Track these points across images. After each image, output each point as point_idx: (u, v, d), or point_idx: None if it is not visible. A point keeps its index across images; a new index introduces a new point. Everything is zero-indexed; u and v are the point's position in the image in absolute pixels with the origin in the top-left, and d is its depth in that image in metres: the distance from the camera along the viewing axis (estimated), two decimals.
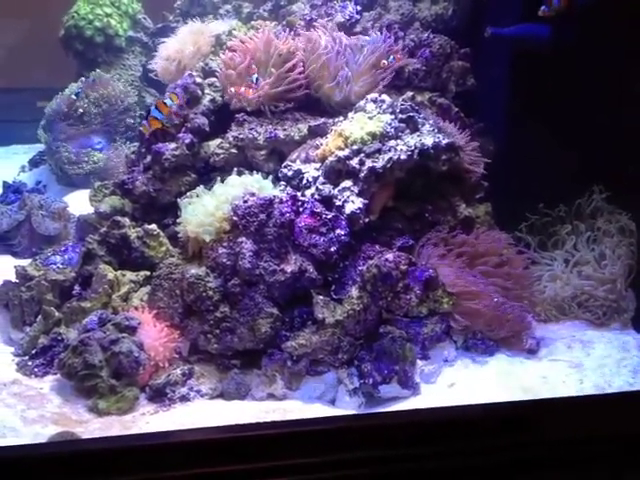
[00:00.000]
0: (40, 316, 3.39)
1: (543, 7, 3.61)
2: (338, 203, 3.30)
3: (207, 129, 3.83)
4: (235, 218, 3.22)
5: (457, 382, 3.11)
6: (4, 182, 4.74)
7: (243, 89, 3.75)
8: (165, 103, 3.73)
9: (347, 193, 3.31)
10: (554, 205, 4.01)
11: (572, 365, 3.17)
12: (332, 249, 3.21)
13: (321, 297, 3.18)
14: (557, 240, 3.89)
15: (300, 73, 3.81)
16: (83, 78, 5.30)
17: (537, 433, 2.42)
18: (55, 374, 3.13)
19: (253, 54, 3.83)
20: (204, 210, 3.31)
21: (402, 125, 3.49)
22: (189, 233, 3.33)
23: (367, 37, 4.03)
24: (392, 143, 3.38)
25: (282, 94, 3.80)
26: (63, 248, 3.79)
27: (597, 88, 3.83)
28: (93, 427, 2.81)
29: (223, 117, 3.88)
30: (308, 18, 4.39)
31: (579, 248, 3.78)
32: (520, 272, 3.48)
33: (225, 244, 3.22)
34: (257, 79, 3.75)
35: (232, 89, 3.81)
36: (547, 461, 2.39)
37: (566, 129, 3.85)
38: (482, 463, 2.36)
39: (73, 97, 5.14)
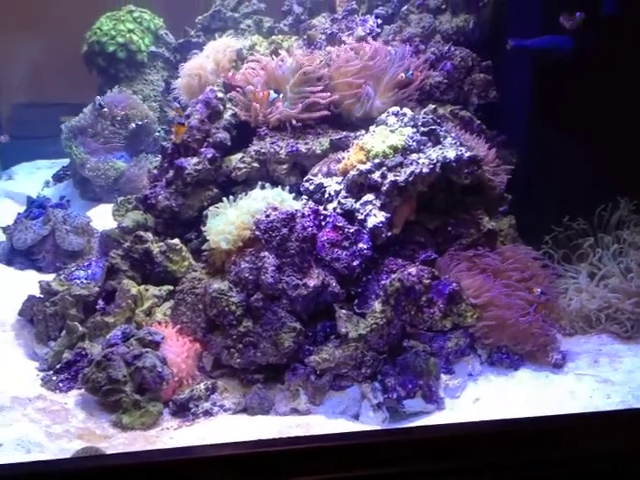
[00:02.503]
0: (64, 331, 3.41)
1: (563, 18, 3.60)
2: (360, 217, 3.30)
3: (229, 143, 3.84)
4: (257, 232, 3.22)
5: (482, 397, 3.09)
6: (28, 197, 4.77)
7: (261, 108, 3.77)
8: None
9: (369, 207, 3.31)
10: (578, 217, 3.98)
11: (599, 380, 3.13)
12: (355, 263, 3.20)
13: (344, 311, 3.17)
14: (582, 253, 3.86)
15: (323, 98, 3.81)
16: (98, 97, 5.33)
17: (563, 449, 2.39)
18: (79, 389, 3.14)
19: (272, 72, 3.83)
20: (225, 219, 3.32)
21: (424, 138, 3.48)
22: (211, 243, 3.34)
23: (391, 48, 4.03)
24: (414, 156, 3.38)
25: (303, 117, 3.80)
26: (87, 263, 3.81)
27: (621, 99, 3.81)
28: (117, 442, 2.82)
29: (245, 131, 3.89)
30: (329, 32, 4.40)
31: (604, 261, 3.75)
32: (545, 286, 3.45)
33: (247, 258, 3.22)
34: (275, 96, 3.76)
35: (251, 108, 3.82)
36: (573, 478, 2.37)
37: (589, 140, 3.83)
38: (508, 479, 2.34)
39: (97, 107, 5.18)
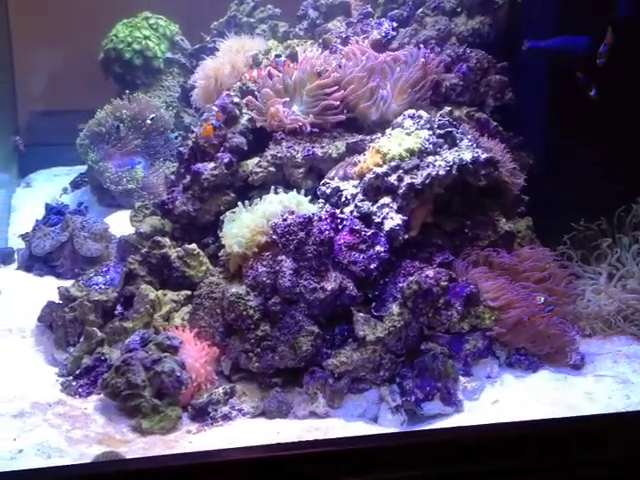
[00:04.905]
0: (83, 336, 3.42)
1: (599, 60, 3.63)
2: (377, 220, 3.29)
3: (245, 148, 3.84)
4: (274, 236, 3.22)
5: (500, 399, 3.08)
6: (46, 204, 4.79)
7: (278, 111, 3.78)
8: (217, 110, 3.84)
9: (386, 210, 3.30)
10: (595, 218, 3.97)
11: (618, 381, 3.12)
12: (372, 266, 3.20)
13: (361, 314, 3.17)
14: (600, 254, 3.84)
15: (338, 104, 3.82)
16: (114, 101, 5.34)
17: (582, 451, 2.38)
18: (99, 394, 3.15)
19: (288, 75, 3.85)
20: (240, 224, 3.33)
21: (440, 140, 3.48)
22: (226, 248, 3.35)
23: (407, 50, 4.03)
24: (430, 159, 3.37)
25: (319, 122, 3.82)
26: (105, 269, 3.82)
27: (637, 99, 3.79)
28: (137, 447, 2.82)
29: (261, 136, 3.90)
30: (344, 36, 4.41)
31: (623, 261, 3.73)
32: (563, 287, 3.43)
33: (265, 262, 3.22)
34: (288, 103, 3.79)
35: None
36: (593, 479, 2.36)
37: (605, 141, 3.81)
38: None
39: (117, 128, 5.20)
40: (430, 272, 3.15)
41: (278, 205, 3.35)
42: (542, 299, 3.25)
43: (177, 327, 3.34)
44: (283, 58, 4.12)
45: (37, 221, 4.52)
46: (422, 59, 3.88)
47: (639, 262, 3.69)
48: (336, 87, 3.84)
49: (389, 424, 3.01)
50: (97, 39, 5.74)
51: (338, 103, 3.81)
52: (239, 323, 3.20)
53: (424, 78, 3.87)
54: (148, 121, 5.16)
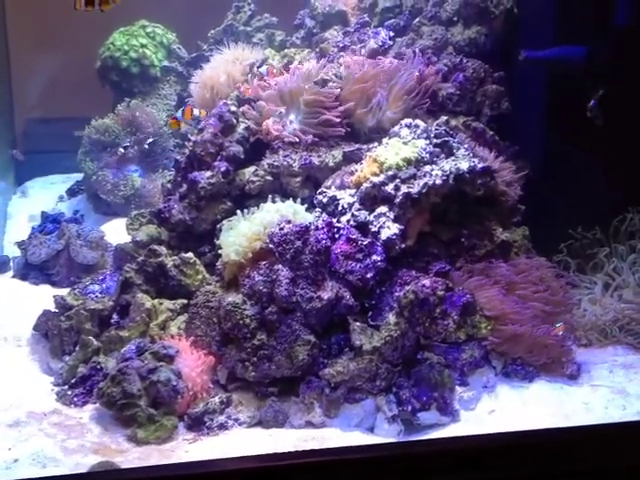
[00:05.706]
0: (79, 345, 3.41)
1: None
2: (374, 229, 3.29)
3: (242, 157, 3.84)
4: (271, 245, 3.22)
5: (497, 409, 3.08)
6: (42, 212, 4.79)
7: (273, 126, 3.78)
8: (192, 110, 3.83)
9: (383, 219, 3.30)
10: (592, 227, 3.97)
11: (614, 391, 3.12)
12: (368, 275, 3.20)
13: (358, 324, 3.17)
14: (596, 263, 3.84)
15: (337, 115, 3.81)
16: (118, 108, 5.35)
17: (579, 461, 2.38)
18: (94, 403, 3.15)
19: (283, 86, 3.85)
20: (237, 232, 3.33)
21: (437, 150, 3.48)
22: (223, 256, 3.35)
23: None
24: (427, 168, 3.37)
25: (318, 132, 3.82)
26: (101, 277, 3.82)
27: (634, 109, 3.80)
28: (132, 456, 2.81)
29: (258, 144, 3.89)
30: (341, 45, 4.41)
31: (619, 271, 3.73)
32: (559, 297, 3.43)
33: (261, 271, 3.22)
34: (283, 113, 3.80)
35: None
36: None
37: (602, 150, 3.82)
38: None
39: (121, 150, 5.20)
40: (427, 281, 3.15)
41: (275, 214, 3.35)
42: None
43: (173, 336, 3.34)
44: (265, 68, 4.14)
45: (33, 229, 4.51)
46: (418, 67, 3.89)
47: (635, 272, 3.69)
48: (337, 103, 3.83)
49: (385, 434, 3.01)
50: (94, 47, 5.73)
51: (338, 120, 3.80)
52: (235, 332, 3.19)
53: (419, 85, 3.87)
54: (145, 146, 5.17)
